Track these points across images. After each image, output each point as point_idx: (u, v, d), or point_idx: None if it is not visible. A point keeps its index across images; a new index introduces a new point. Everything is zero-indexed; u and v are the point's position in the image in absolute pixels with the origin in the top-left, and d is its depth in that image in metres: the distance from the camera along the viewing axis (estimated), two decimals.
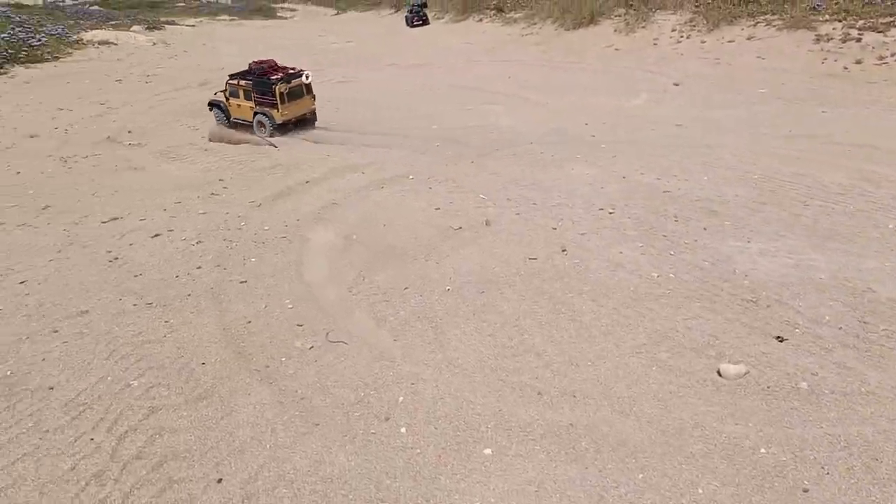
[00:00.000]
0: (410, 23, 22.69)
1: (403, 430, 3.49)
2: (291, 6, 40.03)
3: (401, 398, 3.72)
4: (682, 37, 14.82)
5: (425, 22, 22.57)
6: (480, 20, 21.00)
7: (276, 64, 9.48)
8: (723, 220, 5.74)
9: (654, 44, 14.86)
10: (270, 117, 8.97)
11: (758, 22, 14.03)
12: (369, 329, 4.42)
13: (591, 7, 17.12)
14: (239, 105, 9.32)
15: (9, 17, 19.02)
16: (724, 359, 3.92)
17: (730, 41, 13.79)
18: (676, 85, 11.74)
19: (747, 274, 4.86)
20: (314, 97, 9.57)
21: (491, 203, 6.38)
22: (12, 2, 23.27)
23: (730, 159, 7.15)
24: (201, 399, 3.77)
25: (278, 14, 34.13)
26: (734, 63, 12.75)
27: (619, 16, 16.95)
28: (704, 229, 5.58)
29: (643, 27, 15.89)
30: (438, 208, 6.31)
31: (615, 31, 16.27)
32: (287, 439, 3.44)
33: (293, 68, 9.40)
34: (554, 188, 6.63)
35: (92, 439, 3.47)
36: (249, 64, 9.45)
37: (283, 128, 9.10)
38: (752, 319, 4.31)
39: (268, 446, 3.40)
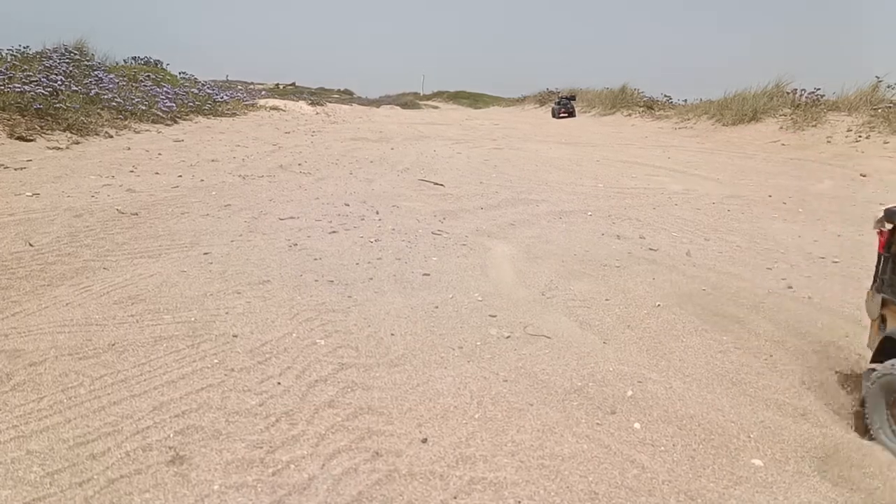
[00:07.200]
0: (556, 114, 23.13)
1: (637, 425, 2.84)
2: (434, 104, 42.93)
3: (629, 392, 3.09)
4: (859, 136, 13.82)
5: (571, 114, 22.92)
6: (629, 115, 21.01)
7: None
8: None
9: (828, 141, 13.95)
10: None
11: None
12: (572, 330, 3.87)
13: (754, 105, 16.59)
14: None
15: (196, 80, 21.40)
16: None
17: None
18: (864, 176, 10.75)
19: None
20: None
21: (686, 241, 5.77)
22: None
23: None
24: (394, 365, 3.34)
25: (422, 107, 36.51)
26: None
27: (785, 115, 16.25)
28: None
29: (813, 125, 15.06)
30: (627, 238, 5.79)
31: (781, 128, 15.56)
32: (498, 413, 2.90)
33: None
34: (758, 238, 5.93)
35: (279, 383, 3.11)
36: None
37: None
38: None
39: (476, 416, 2.87)
